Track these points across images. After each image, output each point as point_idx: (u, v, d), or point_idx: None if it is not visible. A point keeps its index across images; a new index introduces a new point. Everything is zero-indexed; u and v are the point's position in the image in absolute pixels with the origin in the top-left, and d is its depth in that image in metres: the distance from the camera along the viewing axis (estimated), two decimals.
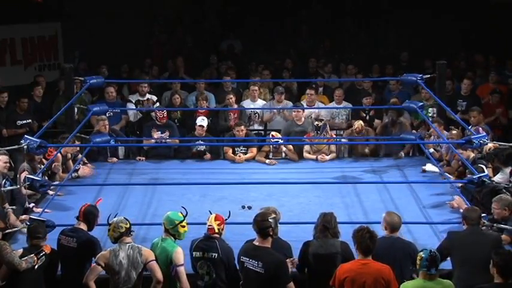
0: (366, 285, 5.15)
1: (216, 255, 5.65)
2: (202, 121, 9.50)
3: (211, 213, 5.82)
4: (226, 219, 5.81)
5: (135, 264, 5.55)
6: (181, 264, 5.52)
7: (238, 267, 5.60)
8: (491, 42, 12.99)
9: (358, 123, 9.46)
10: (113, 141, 9.26)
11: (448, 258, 5.80)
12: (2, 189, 7.01)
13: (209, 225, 5.73)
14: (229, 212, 5.91)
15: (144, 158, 9.63)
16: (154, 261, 5.55)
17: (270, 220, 5.42)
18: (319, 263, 5.63)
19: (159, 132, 9.56)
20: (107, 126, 9.24)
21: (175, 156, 9.76)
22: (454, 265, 5.78)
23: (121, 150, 10.06)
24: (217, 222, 5.74)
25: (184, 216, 5.73)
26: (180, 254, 5.54)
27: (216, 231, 5.72)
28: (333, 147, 9.57)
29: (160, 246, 5.65)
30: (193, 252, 5.74)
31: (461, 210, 6.72)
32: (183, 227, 5.69)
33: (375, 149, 9.81)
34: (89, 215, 6.00)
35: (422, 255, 5.13)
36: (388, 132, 9.60)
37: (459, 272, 5.68)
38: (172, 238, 5.67)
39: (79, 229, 5.97)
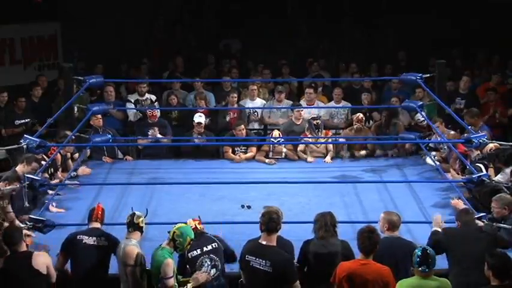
0: (364, 285, 5.14)
1: (215, 244, 5.76)
2: (199, 118, 9.49)
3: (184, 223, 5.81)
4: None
5: (120, 259, 5.61)
6: (170, 277, 5.37)
7: (240, 266, 5.58)
8: (491, 42, 12.99)
9: (359, 114, 9.52)
10: (111, 140, 9.28)
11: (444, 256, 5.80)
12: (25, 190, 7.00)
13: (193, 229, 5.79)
14: (199, 216, 6.02)
15: (131, 158, 9.62)
16: (131, 267, 5.49)
17: (279, 215, 5.43)
18: (320, 262, 5.61)
19: (151, 130, 9.58)
20: (101, 121, 9.35)
21: (169, 155, 9.75)
22: (449, 262, 5.78)
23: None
24: (196, 221, 5.89)
25: (195, 234, 5.68)
26: (167, 266, 5.36)
27: (199, 228, 5.84)
28: (330, 146, 9.59)
29: (156, 255, 5.50)
30: (189, 254, 5.72)
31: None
32: (189, 244, 5.59)
33: (373, 149, 9.80)
34: (104, 215, 6.10)
35: (416, 252, 5.15)
36: (383, 132, 9.61)
37: (455, 269, 5.68)
38: (172, 249, 5.51)
39: (98, 229, 5.97)
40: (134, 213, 5.70)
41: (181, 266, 5.79)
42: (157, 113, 9.83)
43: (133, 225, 5.66)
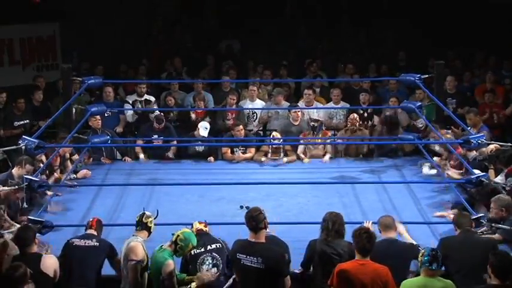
0: (363, 286, 5.14)
1: (220, 244, 5.84)
2: (205, 131, 9.29)
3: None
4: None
5: (124, 255, 5.65)
6: (172, 277, 5.45)
7: (231, 266, 5.60)
8: (490, 42, 13.01)
9: (354, 115, 9.52)
10: (110, 141, 9.28)
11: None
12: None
13: (198, 229, 5.94)
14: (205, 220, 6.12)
15: (130, 159, 9.62)
16: (134, 262, 5.53)
17: (262, 212, 5.45)
18: (326, 262, 5.59)
19: (156, 136, 9.56)
20: (99, 122, 9.31)
21: (168, 156, 9.74)
22: (448, 270, 5.74)
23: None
24: (202, 224, 6.02)
25: (200, 234, 5.83)
26: (168, 267, 5.45)
27: (205, 229, 5.97)
28: (328, 148, 9.58)
29: (155, 256, 5.57)
30: (192, 250, 5.75)
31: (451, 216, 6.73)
32: (190, 251, 5.68)
33: (373, 149, 9.80)
34: (100, 225, 6.17)
35: (424, 252, 5.17)
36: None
37: (454, 277, 5.62)
38: (172, 252, 5.58)
39: (92, 234, 6.06)
40: (144, 213, 5.82)
41: (184, 264, 5.85)
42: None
43: (141, 224, 5.77)
